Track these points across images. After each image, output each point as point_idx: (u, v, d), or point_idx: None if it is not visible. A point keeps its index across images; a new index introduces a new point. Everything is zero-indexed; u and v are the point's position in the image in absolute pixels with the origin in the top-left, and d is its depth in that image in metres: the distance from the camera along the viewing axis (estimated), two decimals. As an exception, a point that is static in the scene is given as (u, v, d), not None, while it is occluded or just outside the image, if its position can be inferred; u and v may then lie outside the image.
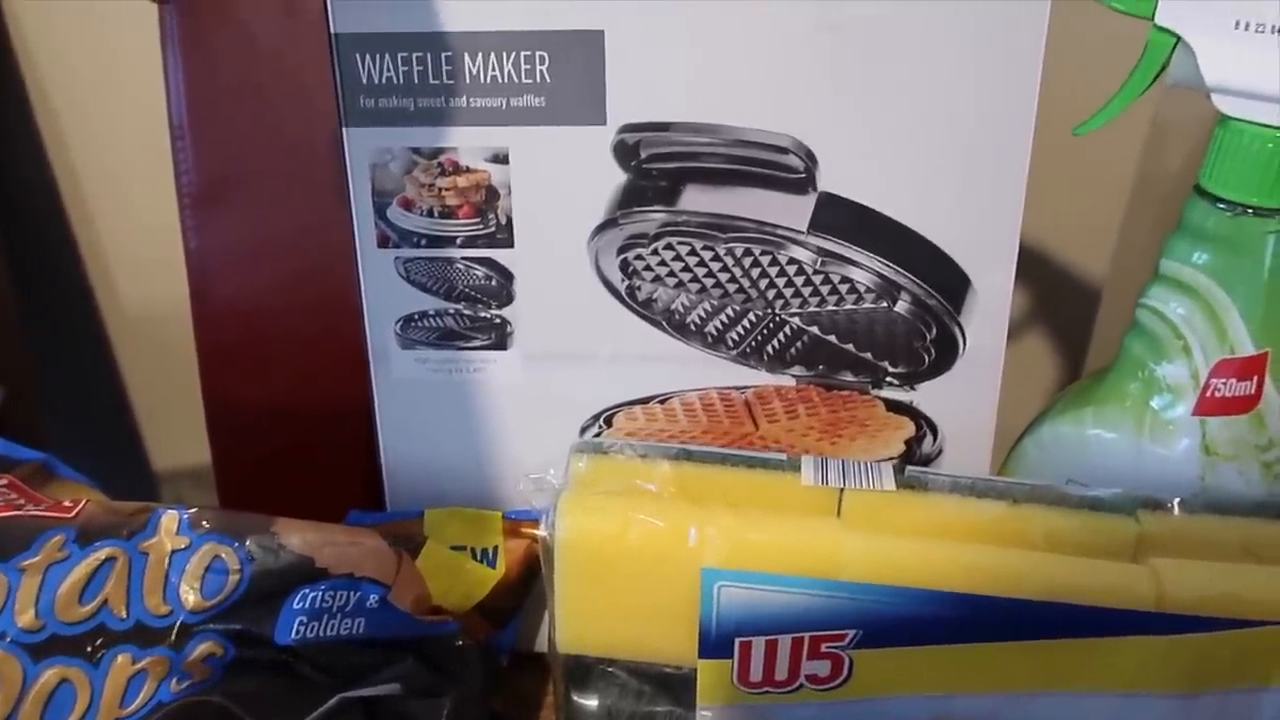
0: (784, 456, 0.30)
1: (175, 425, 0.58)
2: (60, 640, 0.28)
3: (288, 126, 0.39)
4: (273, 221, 0.40)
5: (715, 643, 0.27)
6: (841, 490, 0.28)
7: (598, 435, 0.36)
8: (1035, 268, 0.55)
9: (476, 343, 0.35)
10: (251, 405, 0.40)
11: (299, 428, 0.41)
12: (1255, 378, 0.29)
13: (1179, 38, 0.27)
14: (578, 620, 0.29)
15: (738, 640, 0.27)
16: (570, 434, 0.35)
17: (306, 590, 0.29)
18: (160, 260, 0.47)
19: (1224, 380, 0.29)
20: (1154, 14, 0.27)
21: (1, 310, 0.52)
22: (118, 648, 0.28)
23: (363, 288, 0.34)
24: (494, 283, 0.34)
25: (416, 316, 0.34)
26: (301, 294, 0.40)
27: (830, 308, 0.34)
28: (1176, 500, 0.28)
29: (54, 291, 0.56)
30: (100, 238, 0.55)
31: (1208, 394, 0.29)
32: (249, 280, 0.40)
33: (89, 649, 0.28)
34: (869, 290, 0.33)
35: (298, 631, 0.29)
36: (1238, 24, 0.27)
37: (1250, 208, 0.28)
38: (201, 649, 0.29)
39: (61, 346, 0.57)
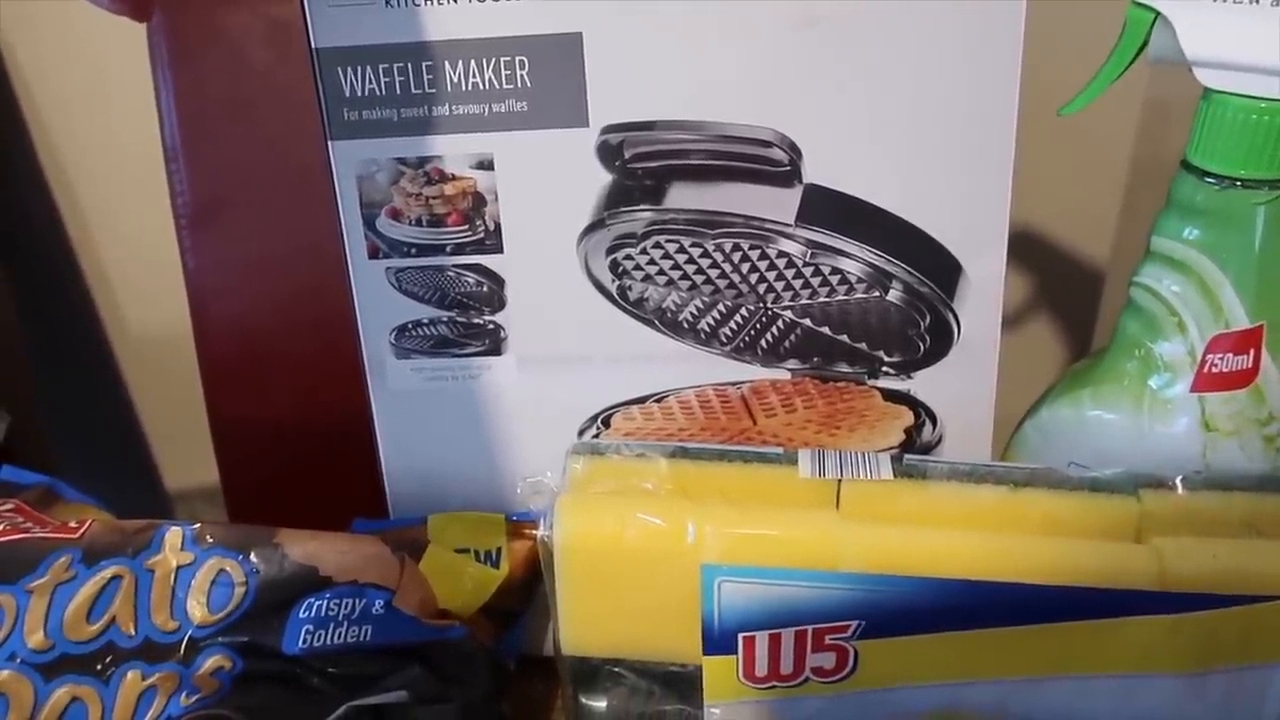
0: (780, 450, 0.30)
1: (185, 444, 0.59)
2: (70, 659, 0.29)
3: (279, 143, 0.39)
4: (269, 238, 0.40)
5: (719, 639, 0.27)
6: (839, 481, 0.28)
7: (596, 437, 0.36)
8: (1036, 255, 0.55)
9: (471, 349, 0.35)
10: (256, 420, 0.41)
11: (304, 440, 0.41)
12: (1252, 351, 0.29)
13: (1157, 13, 0.27)
14: (581, 622, 0.29)
15: (741, 635, 0.27)
16: (569, 437, 0.36)
17: (312, 599, 0.29)
18: (163, 282, 0.47)
19: (1220, 355, 0.29)
20: (1131, -10, 0.27)
21: (6, 337, 0.53)
22: (127, 664, 0.29)
23: (355, 299, 0.34)
24: (485, 289, 0.34)
25: (410, 326, 0.35)
26: (300, 309, 0.40)
27: (822, 299, 0.34)
28: (1178, 478, 0.28)
29: (58, 317, 0.57)
30: (103, 262, 0.56)
31: (1205, 370, 0.29)
32: (248, 297, 0.41)
33: (99, 667, 0.29)
34: (860, 280, 0.33)
35: (305, 640, 0.29)
36: (1215, -4, 0.27)
37: (1238, 180, 0.27)
38: (210, 663, 0.29)
39: (68, 372, 0.58)
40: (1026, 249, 0.54)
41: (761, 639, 0.27)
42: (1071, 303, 0.56)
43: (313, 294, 0.39)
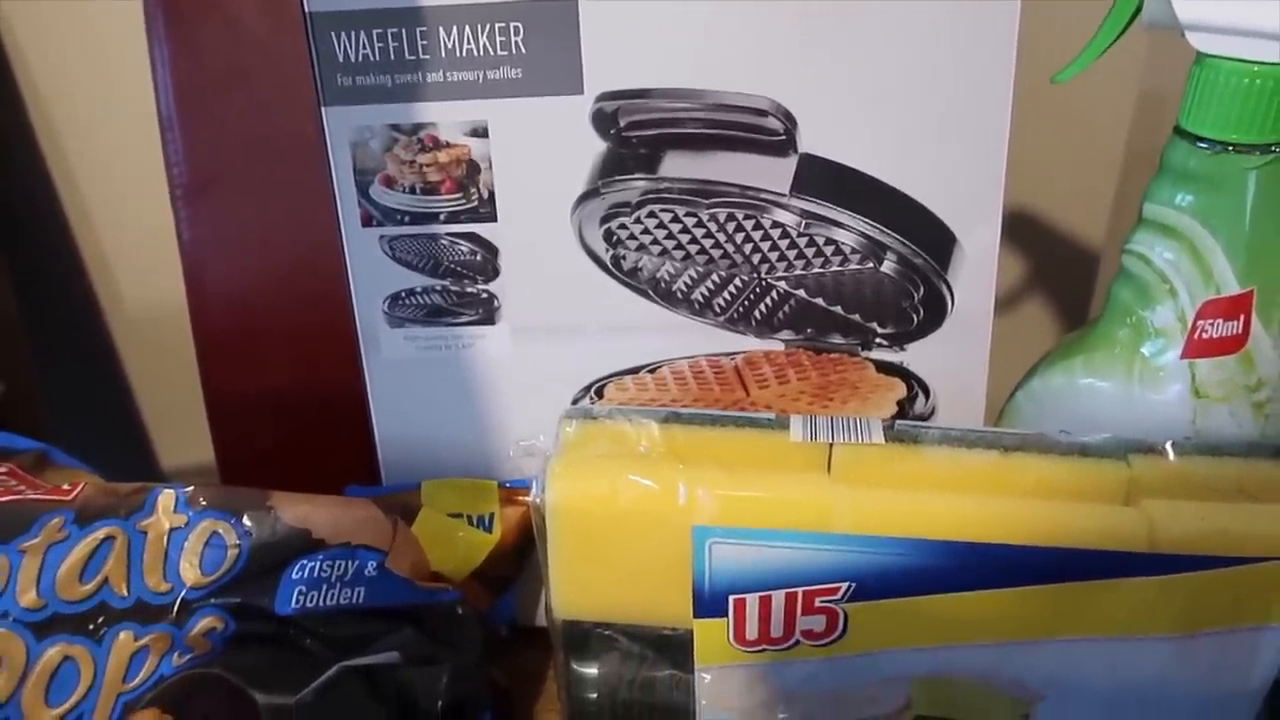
0: (772, 415, 0.30)
1: (180, 422, 0.59)
2: (62, 619, 0.29)
3: (275, 116, 0.39)
4: (263, 209, 0.40)
5: (710, 601, 0.27)
6: (831, 445, 0.28)
7: (591, 407, 0.36)
8: (1031, 238, 0.55)
9: (464, 318, 0.35)
10: (250, 390, 0.41)
11: (299, 413, 0.41)
12: (1242, 317, 0.29)
13: (1150, -23, 0.27)
14: (573, 585, 0.29)
15: (731, 598, 0.27)
16: (561, 407, 0.35)
17: (304, 561, 0.29)
18: (159, 255, 0.47)
19: (1211, 321, 0.29)
20: (1125, -45, 0.27)
21: (2, 310, 0.53)
22: (120, 625, 0.29)
23: (349, 267, 0.34)
24: (479, 257, 0.34)
25: (404, 294, 0.35)
26: (296, 280, 0.40)
27: (816, 270, 0.34)
28: (1169, 443, 0.28)
29: (55, 291, 0.57)
30: (99, 236, 0.56)
31: (1195, 336, 0.29)
32: (244, 269, 0.41)
33: (91, 627, 0.29)
34: (854, 251, 0.33)
35: (297, 601, 0.29)
36: (1209, -41, 0.27)
37: (1230, 145, 0.27)
38: (203, 624, 0.29)
39: (64, 346, 0.58)
40: (1022, 232, 0.54)
41: (752, 601, 0.27)
42: (1066, 287, 0.57)
43: (308, 266, 0.39)
